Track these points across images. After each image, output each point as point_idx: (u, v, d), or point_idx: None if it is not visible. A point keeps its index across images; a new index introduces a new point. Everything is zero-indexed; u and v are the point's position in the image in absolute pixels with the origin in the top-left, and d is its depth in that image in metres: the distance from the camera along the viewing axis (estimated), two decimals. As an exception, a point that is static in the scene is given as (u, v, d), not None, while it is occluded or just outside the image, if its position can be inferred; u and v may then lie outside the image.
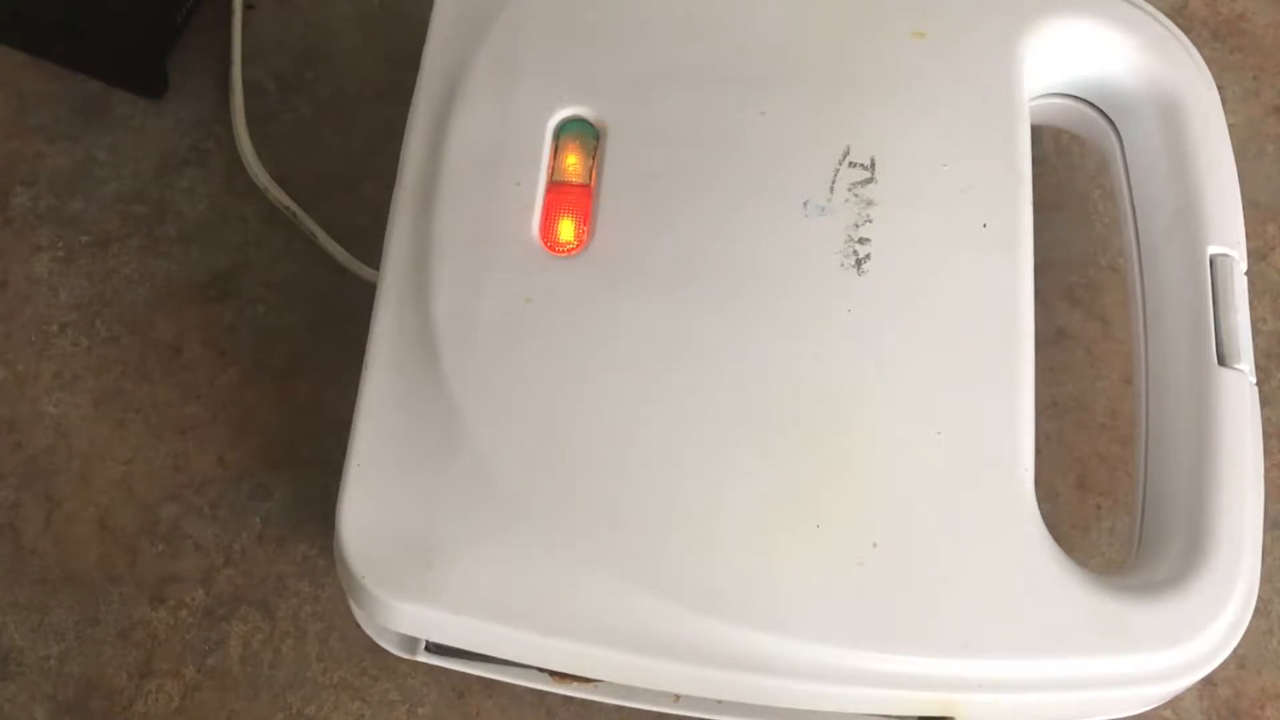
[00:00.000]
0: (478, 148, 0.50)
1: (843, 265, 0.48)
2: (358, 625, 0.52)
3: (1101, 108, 0.55)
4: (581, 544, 0.44)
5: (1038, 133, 0.59)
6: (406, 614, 0.45)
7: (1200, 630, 0.45)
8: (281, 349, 0.61)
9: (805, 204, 0.49)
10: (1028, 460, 0.46)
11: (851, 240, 0.48)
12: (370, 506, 0.45)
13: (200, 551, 0.57)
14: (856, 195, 0.49)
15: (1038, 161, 0.57)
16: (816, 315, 0.48)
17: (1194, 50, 0.54)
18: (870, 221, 0.48)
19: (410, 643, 0.50)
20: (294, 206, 0.62)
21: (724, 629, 0.44)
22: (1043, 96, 0.55)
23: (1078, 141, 0.63)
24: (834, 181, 0.49)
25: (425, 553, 0.44)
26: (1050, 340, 0.61)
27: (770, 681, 0.44)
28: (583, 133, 0.50)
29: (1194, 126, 0.53)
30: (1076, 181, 0.64)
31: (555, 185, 0.50)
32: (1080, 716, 0.47)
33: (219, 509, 0.58)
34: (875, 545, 0.44)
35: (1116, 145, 0.55)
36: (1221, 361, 0.48)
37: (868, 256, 0.48)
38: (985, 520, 0.45)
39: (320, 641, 0.56)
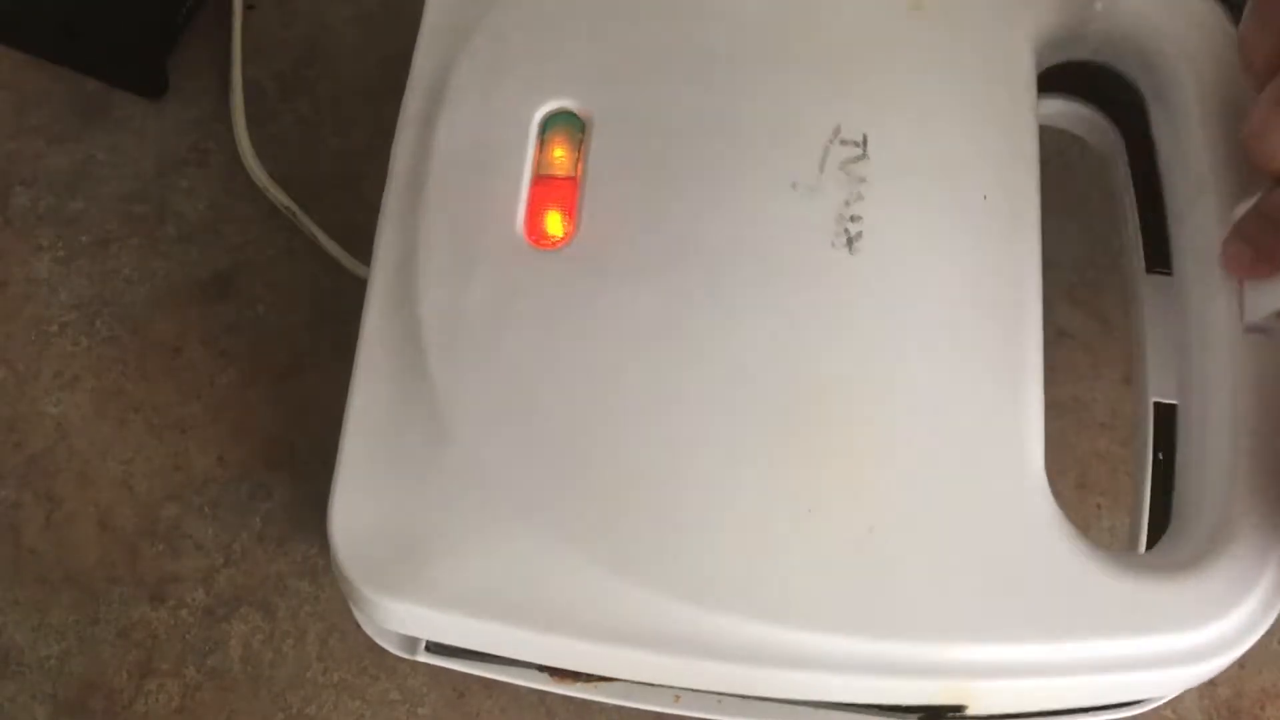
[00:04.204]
0: (464, 145, 0.49)
1: (833, 244, 0.47)
2: (358, 625, 0.52)
3: (1119, 70, 0.54)
4: (570, 537, 0.44)
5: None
6: (399, 613, 0.44)
7: (1232, 606, 0.43)
8: (282, 349, 0.61)
9: (794, 184, 0.48)
10: (1036, 435, 0.46)
11: (843, 219, 0.47)
12: (361, 507, 0.45)
13: (200, 551, 0.57)
14: (848, 173, 0.48)
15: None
16: (807, 296, 0.47)
17: (1217, 7, 0.53)
18: (862, 199, 0.48)
19: (410, 643, 0.50)
20: (294, 207, 0.62)
21: (722, 620, 0.43)
22: (1042, 96, 0.55)
23: (1078, 142, 0.63)
24: (824, 160, 0.48)
25: (415, 551, 0.44)
26: (1050, 340, 0.60)
27: (770, 673, 0.44)
28: (568, 125, 0.50)
29: (1224, 80, 0.51)
30: (1076, 181, 0.64)
31: (541, 179, 0.49)
32: (1102, 702, 0.46)
33: (219, 509, 0.58)
34: (872, 529, 0.44)
35: (1119, 141, 0.55)
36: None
37: (860, 235, 0.47)
38: (992, 498, 0.45)
39: (320, 641, 0.56)
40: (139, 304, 0.61)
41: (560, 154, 0.49)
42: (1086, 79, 0.56)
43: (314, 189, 0.63)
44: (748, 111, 0.50)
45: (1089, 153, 0.62)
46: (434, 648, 0.51)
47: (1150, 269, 0.55)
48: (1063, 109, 0.57)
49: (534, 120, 0.50)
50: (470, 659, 0.50)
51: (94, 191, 0.63)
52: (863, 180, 0.48)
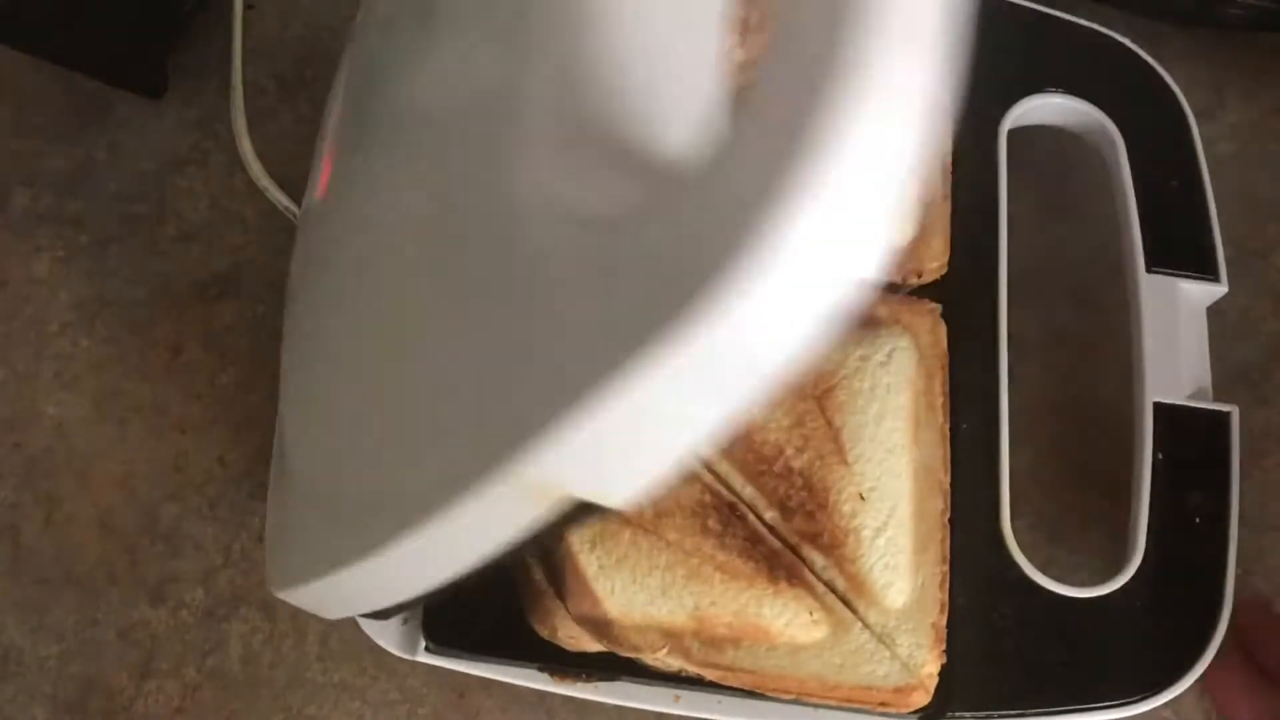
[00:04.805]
0: (326, 125, 0.51)
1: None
2: (357, 625, 0.52)
3: None
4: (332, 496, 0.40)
5: (1037, 134, 0.59)
6: (294, 601, 0.42)
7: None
8: (281, 349, 0.61)
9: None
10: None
11: None
12: (272, 515, 0.46)
13: (200, 551, 0.57)
14: None
15: (1036, 163, 0.57)
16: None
17: None
18: None
19: (410, 642, 0.50)
20: (294, 207, 0.62)
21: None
22: (1041, 94, 0.55)
23: (1078, 141, 0.63)
24: None
25: (277, 541, 0.44)
26: (1051, 340, 0.60)
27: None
28: None
29: None
30: (1076, 182, 0.64)
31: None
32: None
33: (219, 509, 0.58)
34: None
35: (1118, 137, 0.55)
36: None
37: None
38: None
39: (320, 641, 0.56)
40: (139, 304, 0.61)
41: None
42: (1085, 72, 0.56)
43: (314, 189, 0.63)
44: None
45: (1089, 152, 0.62)
46: (433, 647, 0.51)
47: (1150, 268, 0.55)
48: (1061, 105, 0.57)
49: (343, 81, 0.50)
50: (470, 658, 0.50)
51: (94, 191, 0.63)
52: None
